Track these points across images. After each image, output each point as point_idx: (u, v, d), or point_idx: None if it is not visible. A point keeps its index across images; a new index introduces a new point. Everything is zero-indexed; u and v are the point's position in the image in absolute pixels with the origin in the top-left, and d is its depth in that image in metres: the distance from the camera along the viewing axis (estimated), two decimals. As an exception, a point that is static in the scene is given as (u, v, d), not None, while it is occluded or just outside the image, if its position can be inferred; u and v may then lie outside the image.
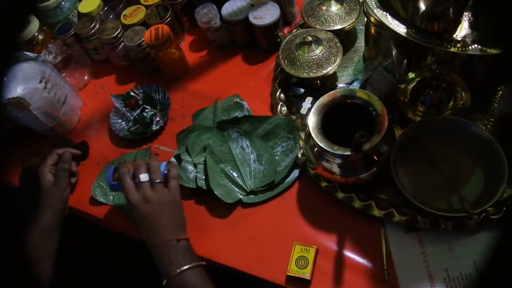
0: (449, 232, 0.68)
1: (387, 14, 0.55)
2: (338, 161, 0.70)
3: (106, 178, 0.77)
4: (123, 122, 0.95)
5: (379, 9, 0.56)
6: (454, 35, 0.54)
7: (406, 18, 0.56)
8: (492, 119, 0.77)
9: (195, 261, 0.67)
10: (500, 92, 0.79)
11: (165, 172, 0.74)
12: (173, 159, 0.84)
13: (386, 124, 0.66)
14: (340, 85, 0.87)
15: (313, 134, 0.68)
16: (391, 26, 0.54)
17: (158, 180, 0.72)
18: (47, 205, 0.78)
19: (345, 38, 0.92)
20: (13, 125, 0.95)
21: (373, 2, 0.58)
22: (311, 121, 0.70)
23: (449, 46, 0.51)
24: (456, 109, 0.76)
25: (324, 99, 0.71)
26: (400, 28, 0.54)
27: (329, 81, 0.88)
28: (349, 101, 0.69)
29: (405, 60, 0.67)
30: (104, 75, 1.07)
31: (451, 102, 0.76)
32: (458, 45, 0.53)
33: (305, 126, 0.83)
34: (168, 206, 0.71)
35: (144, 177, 0.71)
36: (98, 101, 1.03)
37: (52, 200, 0.79)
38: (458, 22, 0.52)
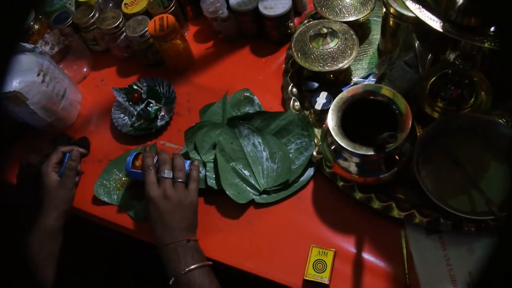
0: (472, 234, 0.66)
1: (420, 7, 0.51)
2: (357, 160, 0.67)
3: (126, 163, 0.75)
4: (125, 117, 0.91)
5: (411, 2, 0.52)
6: (491, 30, 0.50)
7: (439, 11, 0.52)
8: (513, 115, 0.75)
9: (203, 261, 0.66)
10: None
11: (187, 172, 0.73)
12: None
13: (410, 123, 0.63)
14: (354, 79, 0.84)
15: (333, 133, 0.65)
16: (426, 20, 0.50)
17: (180, 180, 0.71)
18: (52, 206, 0.74)
19: (358, 29, 0.88)
20: (9, 120, 0.90)
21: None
22: (331, 118, 0.66)
23: (489, 43, 0.48)
24: (476, 106, 0.73)
25: (343, 94, 0.67)
26: (435, 22, 0.50)
27: (343, 75, 0.85)
28: (371, 97, 0.66)
29: (430, 55, 0.64)
30: (104, 67, 1.02)
31: (472, 99, 0.74)
32: (497, 40, 0.49)
33: (319, 122, 0.80)
34: (185, 207, 0.70)
35: (168, 173, 0.71)
36: (98, 94, 0.98)
37: (58, 201, 0.75)
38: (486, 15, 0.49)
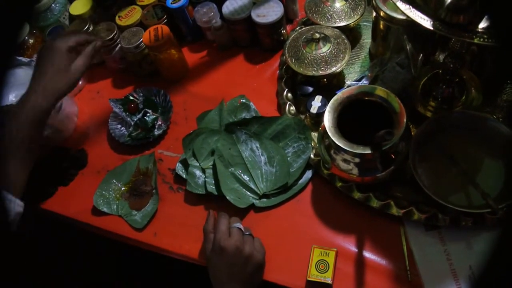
0: (470, 229, 0.67)
1: (410, 7, 0.53)
2: (355, 159, 0.68)
3: None
4: (122, 128, 0.91)
5: (401, 2, 0.54)
6: (479, 27, 0.52)
7: (428, 11, 0.54)
8: (503, 112, 0.77)
9: None
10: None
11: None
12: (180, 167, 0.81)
13: (405, 120, 0.65)
14: (348, 82, 0.85)
15: (330, 133, 0.66)
16: (417, 20, 0.52)
17: (248, 233, 0.69)
18: (49, 82, 0.60)
19: (349, 34, 0.90)
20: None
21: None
22: (327, 119, 0.67)
23: (478, 38, 0.50)
24: (468, 104, 0.75)
25: (339, 96, 0.69)
26: (425, 21, 0.52)
27: (336, 79, 0.86)
28: (366, 98, 0.67)
29: (421, 55, 0.66)
30: (100, 79, 1.03)
31: (463, 97, 0.75)
32: (485, 36, 0.51)
33: (315, 125, 0.81)
34: (256, 262, 0.67)
35: (240, 226, 0.69)
36: (94, 106, 0.98)
37: (58, 78, 0.61)
38: (484, 13, 0.51)
